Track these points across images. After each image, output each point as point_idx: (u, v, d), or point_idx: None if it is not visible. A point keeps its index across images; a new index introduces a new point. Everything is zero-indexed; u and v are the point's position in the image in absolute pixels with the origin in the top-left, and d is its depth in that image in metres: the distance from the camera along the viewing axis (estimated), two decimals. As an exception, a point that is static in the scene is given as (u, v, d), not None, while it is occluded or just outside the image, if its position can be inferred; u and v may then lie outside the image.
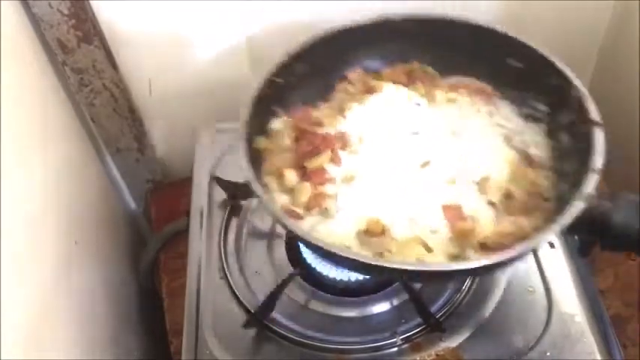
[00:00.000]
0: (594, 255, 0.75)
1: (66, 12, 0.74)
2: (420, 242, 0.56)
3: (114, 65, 0.83)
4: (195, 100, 0.93)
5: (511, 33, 0.64)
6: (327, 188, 0.61)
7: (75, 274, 0.71)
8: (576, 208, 0.51)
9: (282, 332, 0.66)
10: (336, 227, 0.58)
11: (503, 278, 0.68)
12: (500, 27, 0.65)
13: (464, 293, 0.67)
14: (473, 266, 0.52)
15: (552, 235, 0.52)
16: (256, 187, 0.55)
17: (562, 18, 0.98)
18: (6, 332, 0.49)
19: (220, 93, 0.92)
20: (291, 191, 0.61)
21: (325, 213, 0.59)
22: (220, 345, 0.65)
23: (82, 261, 0.74)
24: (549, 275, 0.68)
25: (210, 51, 0.88)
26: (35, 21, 0.74)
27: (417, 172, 0.62)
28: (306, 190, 0.60)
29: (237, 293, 0.69)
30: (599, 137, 0.56)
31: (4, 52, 0.62)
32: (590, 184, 0.52)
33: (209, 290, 0.70)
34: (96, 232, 0.82)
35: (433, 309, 0.65)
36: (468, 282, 0.68)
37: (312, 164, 0.61)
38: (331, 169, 0.62)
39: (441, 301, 0.67)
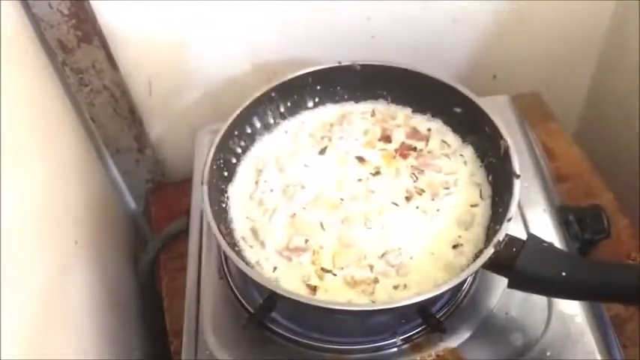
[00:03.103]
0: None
1: (66, 12, 0.74)
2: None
3: (114, 65, 0.83)
4: (195, 100, 0.93)
5: (454, 84, 0.72)
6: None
7: (75, 273, 0.71)
8: (486, 254, 0.57)
9: (282, 332, 0.66)
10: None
11: (502, 278, 0.68)
12: (445, 78, 0.72)
13: (464, 293, 0.67)
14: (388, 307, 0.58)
15: (464, 278, 0.58)
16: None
17: (562, 18, 0.98)
18: (6, 332, 0.49)
19: (220, 93, 0.92)
20: None
21: None
22: (220, 345, 0.65)
23: (82, 261, 0.74)
24: (549, 275, 0.68)
25: (210, 51, 0.88)
26: (35, 21, 0.74)
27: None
28: None
29: (237, 293, 0.69)
30: (516, 188, 0.62)
31: (4, 52, 0.62)
32: (502, 232, 0.58)
33: (209, 290, 0.70)
34: (96, 232, 0.82)
35: (433, 309, 0.65)
36: (468, 282, 0.68)
37: None
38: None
39: (441, 302, 0.67)
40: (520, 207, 0.73)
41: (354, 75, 0.76)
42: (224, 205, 0.69)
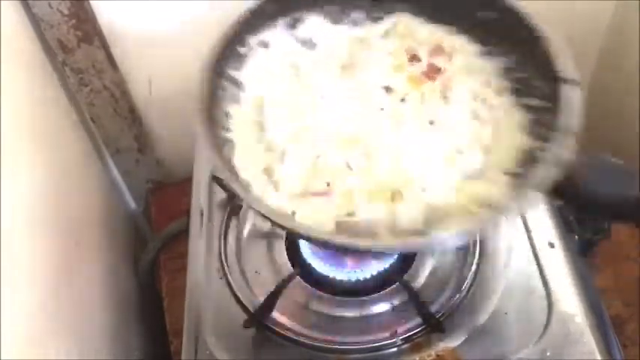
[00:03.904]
0: (594, 255, 0.75)
1: (66, 12, 0.74)
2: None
3: (114, 65, 0.83)
4: (195, 100, 0.93)
5: None
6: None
7: (75, 274, 0.71)
8: (548, 172, 0.49)
9: (282, 332, 0.66)
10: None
11: (503, 278, 0.68)
12: None
13: (464, 293, 0.67)
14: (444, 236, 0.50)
15: (524, 201, 0.50)
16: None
17: (562, 18, 0.98)
18: (6, 332, 0.49)
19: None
20: None
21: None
22: (220, 345, 0.65)
23: (82, 261, 0.74)
24: (549, 275, 0.68)
25: (210, 51, 0.88)
26: (35, 21, 0.74)
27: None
28: None
29: (237, 293, 0.69)
30: (576, 94, 0.53)
31: (4, 52, 0.62)
32: (566, 149, 0.49)
33: (209, 290, 0.70)
34: (96, 232, 0.82)
35: (433, 309, 0.65)
36: (468, 282, 0.68)
37: None
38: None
39: (441, 301, 0.67)
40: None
41: None
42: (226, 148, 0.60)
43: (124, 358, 0.79)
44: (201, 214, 0.77)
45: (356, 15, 0.69)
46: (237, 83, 0.64)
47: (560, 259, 0.69)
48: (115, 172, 0.98)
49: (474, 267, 0.69)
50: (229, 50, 0.64)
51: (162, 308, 0.82)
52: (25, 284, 0.57)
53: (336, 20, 0.69)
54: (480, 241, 0.70)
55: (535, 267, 0.69)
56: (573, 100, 0.52)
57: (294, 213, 0.55)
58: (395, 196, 0.56)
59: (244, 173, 0.57)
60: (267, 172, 0.58)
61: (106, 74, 0.83)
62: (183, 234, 0.80)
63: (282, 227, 0.55)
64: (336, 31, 0.69)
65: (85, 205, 0.80)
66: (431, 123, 0.60)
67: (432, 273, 0.69)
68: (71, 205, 0.74)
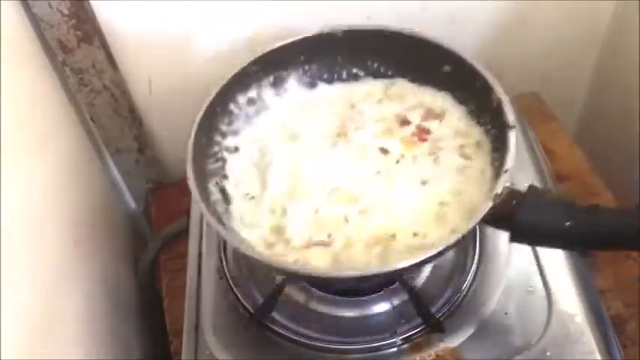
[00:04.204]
0: (594, 255, 0.75)
1: (66, 12, 0.74)
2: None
3: (114, 65, 0.83)
4: (195, 99, 0.92)
5: (441, 42, 0.70)
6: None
7: (75, 274, 0.71)
8: (485, 208, 0.56)
9: (282, 332, 0.66)
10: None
11: (503, 278, 0.68)
12: (432, 37, 0.71)
13: (464, 293, 0.67)
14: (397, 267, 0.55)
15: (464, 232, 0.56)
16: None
17: (563, 18, 0.98)
18: (6, 332, 0.49)
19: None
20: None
21: None
22: (220, 345, 0.65)
23: (82, 261, 0.74)
24: (549, 275, 0.68)
25: (210, 50, 0.88)
26: (35, 21, 0.74)
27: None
28: None
29: (237, 293, 0.69)
30: (511, 140, 0.60)
31: (4, 52, 0.62)
32: (499, 185, 0.56)
33: (209, 290, 0.70)
34: (96, 232, 0.82)
35: (433, 309, 0.65)
36: (468, 282, 0.68)
37: None
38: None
39: (441, 301, 0.67)
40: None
41: (336, 43, 0.74)
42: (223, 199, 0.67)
43: (124, 358, 0.79)
44: (201, 214, 0.77)
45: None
46: (231, 145, 0.72)
47: (560, 259, 0.69)
48: (115, 172, 0.98)
49: (474, 267, 0.69)
50: (220, 108, 0.71)
51: (163, 308, 0.82)
52: (25, 284, 0.57)
53: (312, 83, 0.76)
54: (480, 241, 0.70)
55: (535, 267, 0.69)
56: (512, 142, 0.60)
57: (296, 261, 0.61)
58: (389, 239, 0.61)
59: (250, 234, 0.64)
60: (276, 230, 0.64)
61: (106, 74, 0.83)
62: (183, 234, 0.80)
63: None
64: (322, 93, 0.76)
65: (84, 205, 0.80)
66: (423, 183, 0.66)
67: (432, 273, 0.69)
68: (71, 205, 0.74)
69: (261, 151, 0.71)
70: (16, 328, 0.52)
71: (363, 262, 0.60)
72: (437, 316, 0.65)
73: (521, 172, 0.77)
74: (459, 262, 0.70)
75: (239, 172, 0.70)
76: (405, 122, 0.71)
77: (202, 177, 0.65)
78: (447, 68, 0.71)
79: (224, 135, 0.72)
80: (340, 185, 0.67)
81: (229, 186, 0.69)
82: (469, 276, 0.68)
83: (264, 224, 0.65)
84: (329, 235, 0.63)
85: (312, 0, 0.85)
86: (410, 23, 0.91)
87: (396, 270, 0.56)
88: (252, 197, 0.68)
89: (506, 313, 0.65)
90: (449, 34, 0.94)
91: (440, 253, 0.55)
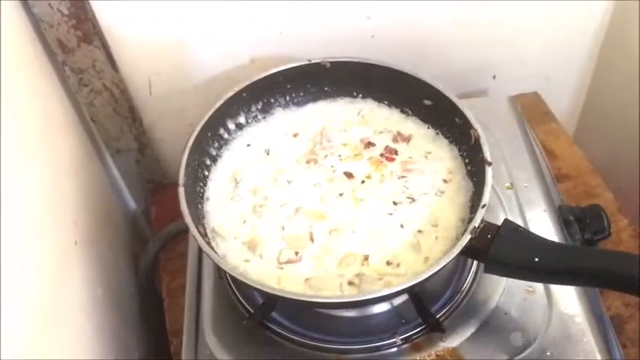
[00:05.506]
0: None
1: (66, 12, 0.74)
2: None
3: (114, 65, 0.83)
4: (195, 100, 0.93)
5: (422, 77, 0.73)
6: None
7: (75, 274, 0.71)
8: (463, 241, 0.58)
9: (282, 332, 0.66)
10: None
11: (503, 278, 0.68)
12: (415, 72, 0.73)
13: (464, 293, 0.67)
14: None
15: (442, 266, 0.57)
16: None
17: (562, 18, 0.98)
18: (6, 332, 0.49)
19: (221, 93, 0.92)
20: None
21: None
22: (220, 345, 0.65)
23: (81, 261, 0.74)
24: (549, 275, 0.68)
25: (210, 51, 0.88)
26: (35, 21, 0.74)
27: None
28: None
29: (237, 293, 0.69)
30: (488, 175, 0.62)
31: (4, 52, 0.62)
32: (477, 219, 0.59)
33: (209, 290, 0.70)
34: (96, 232, 0.82)
35: (433, 309, 0.65)
36: (468, 282, 0.68)
37: None
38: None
39: (441, 302, 0.67)
40: (520, 207, 0.74)
41: (323, 73, 0.76)
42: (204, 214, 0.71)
43: (124, 358, 0.79)
44: (201, 214, 0.77)
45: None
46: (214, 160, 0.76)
47: (560, 259, 0.69)
48: (115, 172, 0.98)
49: (474, 267, 0.69)
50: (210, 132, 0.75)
51: (163, 308, 0.81)
52: (25, 284, 0.57)
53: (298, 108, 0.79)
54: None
55: (535, 267, 0.69)
56: (489, 178, 0.62)
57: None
58: (361, 262, 0.63)
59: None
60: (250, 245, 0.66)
61: (106, 74, 0.83)
62: (183, 234, 0.79)
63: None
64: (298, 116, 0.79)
65: (84, 205, 0.80)
66: (394, 203, 0.68)
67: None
68: (71, 205, 0.74)
69: (236, 173, 0.74)
70: (15, 328, 0.52)
71: (334, 286, 0.62)
72: (437, 316, 0.65)
73: (521, 172, 0.77)
74: (459, 262, 0.70)
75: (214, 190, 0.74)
76: (371, 144, 0.74)
77: (193, 200, 0.70)
78: (427, 102, 0.74)
79: (214, 159, 0.76)
80: (304, 204, 0.69)
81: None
82: (469, 276, 0.68)
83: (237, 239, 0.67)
84: (296, 253, 0.64)
85: (312, 0, 0.85)
86: (410, 23, 0.92)
87: (367, 299, 0.58)
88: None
89: (506, 313, 0.65)
90: (449, 34, 0.95)
91: (415, 286, 0.58)
